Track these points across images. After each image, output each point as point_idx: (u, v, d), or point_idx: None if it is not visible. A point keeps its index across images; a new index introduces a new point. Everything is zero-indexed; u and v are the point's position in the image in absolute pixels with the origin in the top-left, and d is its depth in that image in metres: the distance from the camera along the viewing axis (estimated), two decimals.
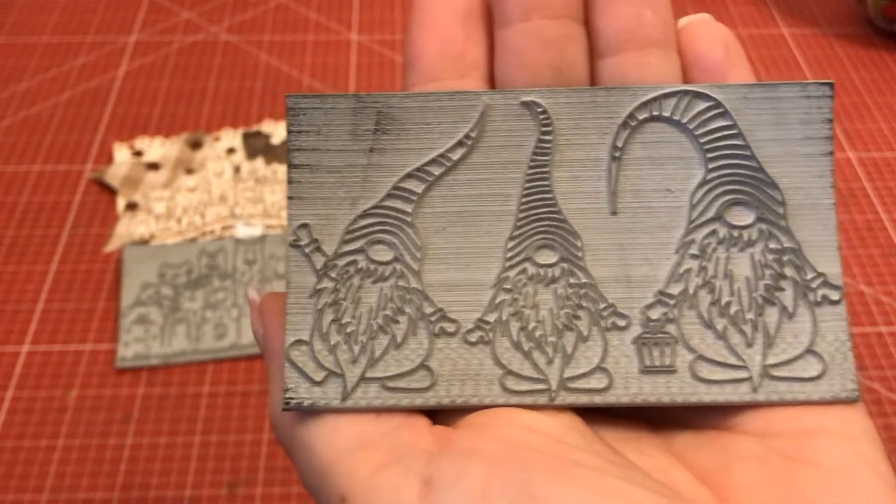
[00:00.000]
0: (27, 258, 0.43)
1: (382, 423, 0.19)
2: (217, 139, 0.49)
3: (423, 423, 0.19)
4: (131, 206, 0.45)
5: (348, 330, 0.20)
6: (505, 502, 0.17)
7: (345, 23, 0.58)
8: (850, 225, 0.44)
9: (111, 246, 0.43)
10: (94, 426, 0.36)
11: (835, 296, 0.20)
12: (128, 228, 0.44)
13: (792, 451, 0.18)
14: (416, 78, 0.21)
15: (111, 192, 0.46)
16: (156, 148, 0.48)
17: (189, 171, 0.47)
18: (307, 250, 0.20)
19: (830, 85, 0.20)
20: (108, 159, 0.48)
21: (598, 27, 0.21)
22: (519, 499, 0.17)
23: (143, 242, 0.43)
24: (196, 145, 0.49)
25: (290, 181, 0.21)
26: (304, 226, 0.20)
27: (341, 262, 0.20)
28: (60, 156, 0.48)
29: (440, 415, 0.20)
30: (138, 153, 0.48)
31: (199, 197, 0.46)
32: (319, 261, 0.20)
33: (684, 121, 0.20)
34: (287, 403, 0.19)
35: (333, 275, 0.20)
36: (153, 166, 0.47)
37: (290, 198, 0.21)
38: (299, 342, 0.20)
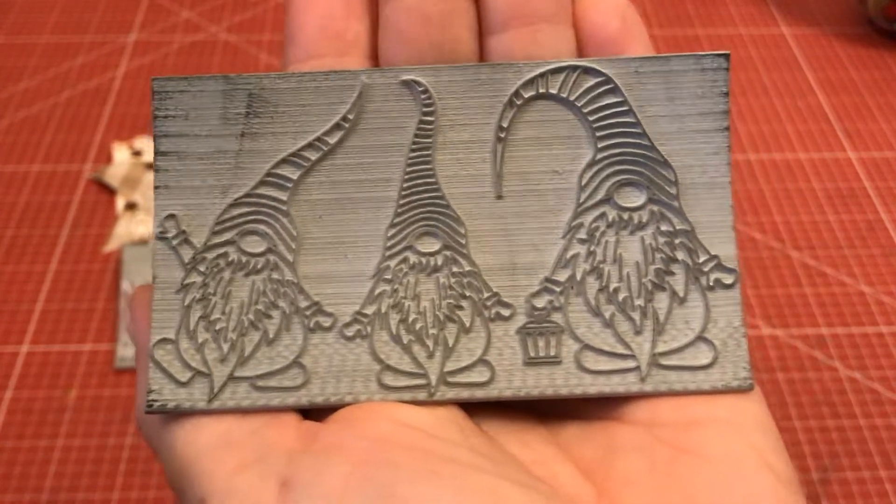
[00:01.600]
0: (26, 258, 0.43)
1: (248, 421, 0.18)
2: None
3: (291, 419, 0.18)
4: (131, 206, 0.45)
5: (217, 327, 0.19)
6: (363, 502, 0.16)
7: None
8: (851, 225, 0.44)
9: (110, 246, 0.43)
10: (94, 426, 0.36)
11: (728, 279, 0.19)
12: (127, 228, 0.44)
13: (678, 440, 0.18)
14: (294, 55, 0.20)
15: (111, 191, 0.46)
16: None
17: None
18: (174, 243, 0.19)
19: (726, 56, 0.19)
20: (108, 159, 0.48)
21: (486, 2, 0.20)
22: (378, 498, 0.16)
23: (143, 242, 0.43)
24: None
25: (156, 169, 0.19)
26: (171, 216, 0.19)
27: (211, 254, 0.19)
28: (60, 156, 0.48)
29: (314, 410, 0.19)
30: (138, 153, 0.48)
31: None
32: (188, 254, 0.19)
33: (572, 98, 0.19)
34: (150, 406, 0.18)
35: (202, 268, 0.19)
36: (153, 166, 0.47)
37: (156, 187, 0.19)
38: (164, 341, 0.19)
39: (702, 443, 0.17)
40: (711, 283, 0.19)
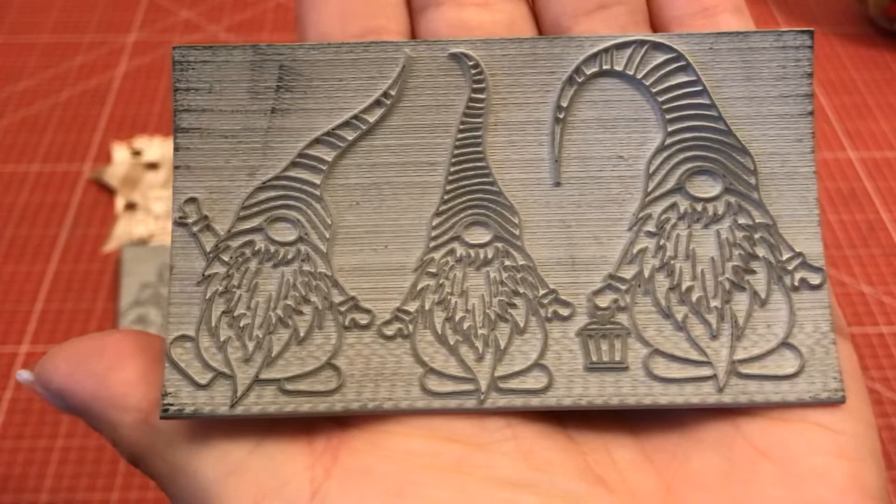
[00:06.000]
0: (26, 258, 0.43)
1: (257, 437, 0.16)
2: None
3: (298, 431, 0.16)
4: (130, 206, 0.45)
5: (242, 323, 0.17)
6: None
7: None
8: (852, 225, 0.44)
9: (110, 246, 0.43)
10: None
11: (816, 279, 0.17)
12: (127, 228, 0.44)
13: (762, 440, 0.16)
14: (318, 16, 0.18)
15: (110, 191, 0.46)
16: (155, 147, 0.48)
17: None
18: (195, 229, 0.17)
19: (810, 33, 0.17)
20: (107, 159, 0.48)
21: None
22: None
23: (143, 242, 0.43)
24: None
25: (176, 148, 0.17)
26: (192, 200, 0.17)
27: (235, 242, 0.17)
28: (59, 155, 0.48)
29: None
30: (137, 153, 0.48)
31: None
32: (210, 241, 0.17)
33: (639, 76, 0.18)
34: (166, 410, 0.16)
35: (226, 258, 0.17)
36: (152, 166, 0.47)
37: (176, 167, 0.17)
38: (182, 338, 0.17)
39: (787, 448, 0.16)
40: (797, 284, 0.17)
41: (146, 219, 0.44)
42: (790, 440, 0.16)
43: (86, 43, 0.55)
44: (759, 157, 0.17)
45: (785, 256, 0.17)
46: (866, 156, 0.48)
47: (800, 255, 0.17)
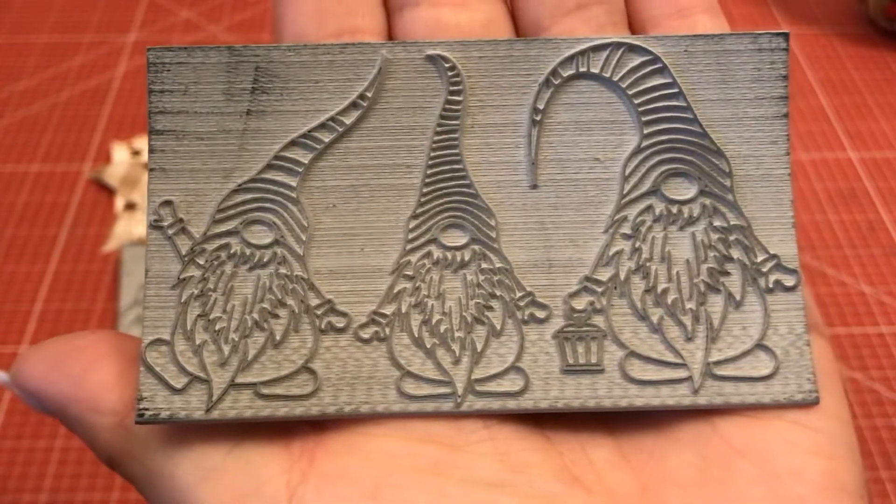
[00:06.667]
0: (25, 258, 0.43)
1: (233, 439, 0.16)
2: None
3: (275, 434, 0.16)
4: (130, 206, 0.45)
5: (217, 327, 0.17)
6: None
7: None
8: (852, 224, 0.44)
9: (110, 246, 0.43)
10: None
11: (790, 281, 0.17)
12: (126, 228, 0.44)
13: (738, 438, 0.16)
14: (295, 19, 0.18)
15: (110, 191, 0.46)
16: None
17: None
18: (170, 232, 0.17)
19: (785, 36, 0.18)
20: (107, 159, 0.48)
21: None
22: None
23: (142, 242, 0.43)
24: None
25: (151, 150, 0.17)
26: (168, 203, 0.17)
27: (211, 245, 0.17)
28: (59, 155, 0.48)
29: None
30: (137, 153, 0.48)
31: None
32: (185, 244, 0.17)
33: (616, 78, 0.18)
34: (141, 415, 0.16)
35: (201, 261, 0.17)
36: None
37: (151, 170, 0.17)
38: (158, 342, 0.17)
39: (764, 447, 0.16)
40: (771, 286, 0.17)
41: (146, 218, 0.44)
42: (766, 438, 0.16)
43: (86, 43, 0.55)
44: (734, 160, 0.18)
45: (759, 258, 0.17)
46: (866, 156, 0.48)
47: (774, 256, 0.17)
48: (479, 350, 0.17)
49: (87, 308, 0.40)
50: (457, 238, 0.17)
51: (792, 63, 0.54)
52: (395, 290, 0.17)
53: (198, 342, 0.17)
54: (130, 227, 0.44)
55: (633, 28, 0.19)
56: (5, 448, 0.35)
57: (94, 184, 0.46)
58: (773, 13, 0.58)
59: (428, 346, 0.17)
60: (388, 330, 0.17)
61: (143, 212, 0.45)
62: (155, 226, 0.17)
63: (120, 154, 0.48)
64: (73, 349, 0.17)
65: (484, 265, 0.17)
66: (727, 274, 0.17)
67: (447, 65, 0.18)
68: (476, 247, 0.17)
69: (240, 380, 0.17)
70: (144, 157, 0.48)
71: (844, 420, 0.17)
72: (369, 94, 0.17)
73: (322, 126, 0.17)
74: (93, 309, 0.40)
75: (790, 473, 0.16)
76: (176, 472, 0.16)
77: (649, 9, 0.19)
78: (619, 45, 0.18)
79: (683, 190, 0.18)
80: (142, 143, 0.48)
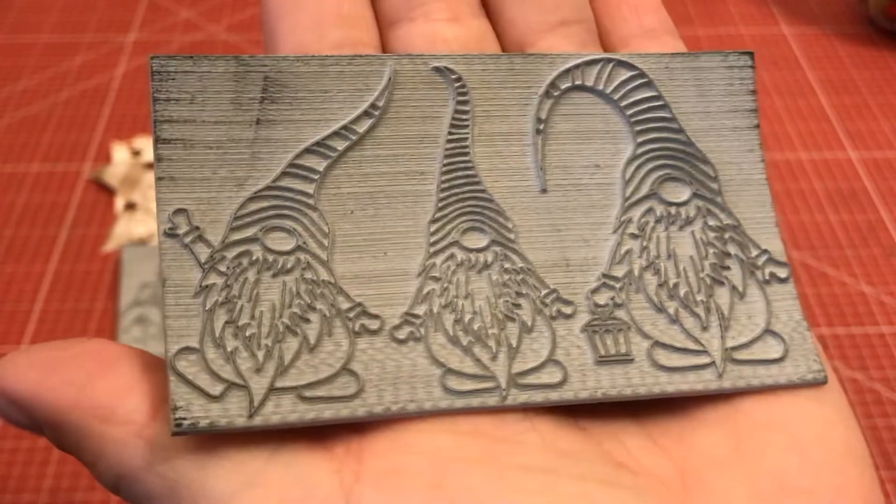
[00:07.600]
0: (25, 258, 0.43)
1: (270, 449, 0.15)
2: None
3: (311, 440, 0.16)
4: (130, 206, 0.45)
5: (247, 333, 0.16)
6: None
7: None
8: (852, 225, 0.44)
9: (110, 246, 0.43)
10: None
11: (782, 273, 0.18)
12: (126, 228, 0.44)
13: (761, 416, 0.17)
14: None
15: (110, 191, 0.46)
16: None
17: None
18: (187, 240, 0.17)
19: (751, 55, 0.19)
20: (107, 159, 0.48)
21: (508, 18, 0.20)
22: None
23: (142, 242, 0.43)
24: None
25: (158, 159, 0.17)
26: (182, 211, 0.17)
27: (231, 252, 0.17)
28: (59, 155, 0.48)
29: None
30: (137, 153, 0.48)
31: None
32: (203, 252, 0.17)
33: (608, 91, 0.19)
34: (179, 425, 0.15)
35: (222, 268, 0.17)
36: (152, 166, 0.47)
37: (159, 178, 0.17)
38: (187, 350, 0.16)
39: (785, 420, 0.17)
40: (767, 277, 0.18)
41: (146, 219, 0.44)
42: (785, 412, 0.17)
43: (86, 43, 0.55)
44: (717, 166, 0.19)
45: (754, 253, 0.19)
46: (866, 156, 0.48)
47: (765, 251, 0.19)
48: (514, 346, 0.17)
49: (86, 308, 0.40)
50: (477, 240, 0.18)
51: (792, 63, 0.54)
52: (425, 292, 0.17)
53: (229, 349, 0.16)
54: (130, 227, 0.44)
55: (605, 47, 0.20)
56: (5, 448, 0.35)
57: (94, 184, 0.46)
58: (773, 13, 0.58)
59: (464, 343, 0.17)
60: (422, 330, 0.17)
61: (144, 212, 0.45)
62: (170, 234, 0.17)
63: (120, 154, 0.48)
64: (71, 355, 0.16)
65: (507, 265, 0.18)
66: (728, 268, 0.18)
67: (454, 76, 0.18)
68: (497, 248, 0.18)
69: (279, 384, 0.16)
70: (144, 157, 0.48)
71: (844, 397, 0.18)
72: (380, 104, 0.18)
73: (335, 134, 0.18)
74: (93, 309, 0.40)
75: (816, 441, 0.17)
76: (208, 482, 0.15)
77: (619, 29, 0.20)
78: (608, 60, 0.19)
79: (678, 193, 0.19)
80: (142, 143, 0.48)
